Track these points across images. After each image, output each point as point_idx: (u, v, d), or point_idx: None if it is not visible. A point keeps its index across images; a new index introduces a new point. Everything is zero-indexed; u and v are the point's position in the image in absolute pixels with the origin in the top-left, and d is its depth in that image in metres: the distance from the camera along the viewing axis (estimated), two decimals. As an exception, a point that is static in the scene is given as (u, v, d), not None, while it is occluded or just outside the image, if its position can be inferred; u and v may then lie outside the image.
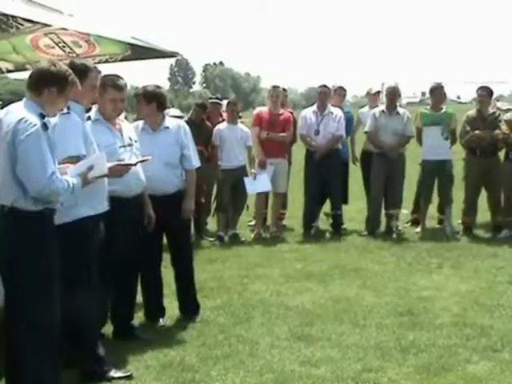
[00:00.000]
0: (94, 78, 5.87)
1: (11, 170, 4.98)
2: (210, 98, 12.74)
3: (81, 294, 5.65)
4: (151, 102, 7.24)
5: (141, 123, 7.39)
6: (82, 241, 5.69)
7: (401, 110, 11.74)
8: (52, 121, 5.44)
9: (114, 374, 5.80)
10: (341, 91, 12.58)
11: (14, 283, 5.11)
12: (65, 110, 5.52)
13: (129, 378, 5.82)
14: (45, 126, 4.99)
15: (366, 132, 11.88)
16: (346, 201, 12.28)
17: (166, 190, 7.19)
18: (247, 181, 11.26)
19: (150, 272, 7.28)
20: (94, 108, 6.48)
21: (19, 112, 5.02)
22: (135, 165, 6.14)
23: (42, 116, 5.01)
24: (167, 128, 7.32)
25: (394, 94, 11.80)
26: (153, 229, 6.95)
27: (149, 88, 7.31)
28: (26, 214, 5.03)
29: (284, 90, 12.47)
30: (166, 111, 7.69)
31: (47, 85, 5.11)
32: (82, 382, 5.70)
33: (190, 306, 7.51)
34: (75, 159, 5.48)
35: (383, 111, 11.65)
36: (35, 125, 4.93)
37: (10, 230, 5.06)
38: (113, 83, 6.41)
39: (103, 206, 5.89)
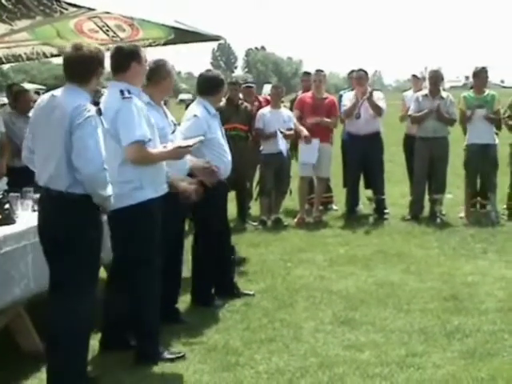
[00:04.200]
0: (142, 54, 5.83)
1: (66, 157, 4.97)
2: (245, 83, 12.52)
3: (145, 274, 5.72)
4: None
5: (200, 108, 7.24)
6: (148, 222, 5.74)
7: (444, 94, 11.63)
8: (115, 106, 5.50)
9: (167, 355, 5.86)
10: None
11: (61, 261, 5.13)
12: (126, 94, 5.56)
13: (182, 357, 5.86)
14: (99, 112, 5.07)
15: (409, 115, 11.79)
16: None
17: None
18: (302, 148, 11.33)
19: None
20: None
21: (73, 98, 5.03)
22: (192, 146, 6.09)
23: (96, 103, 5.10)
24: None
25: (437, 78, 11.67)
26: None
27: None
28: (77, 196, 5.02)
29: (308, 73, 12.68)
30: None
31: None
32: (139, 363, 5.76)
33: None
34: (141, 144, 5.53)
35: (426, 95, 11.56)
36: (90, 110, 4.96)
37: (59, 211, 5.08)
38: None
39: (163, 188, 5.93)
